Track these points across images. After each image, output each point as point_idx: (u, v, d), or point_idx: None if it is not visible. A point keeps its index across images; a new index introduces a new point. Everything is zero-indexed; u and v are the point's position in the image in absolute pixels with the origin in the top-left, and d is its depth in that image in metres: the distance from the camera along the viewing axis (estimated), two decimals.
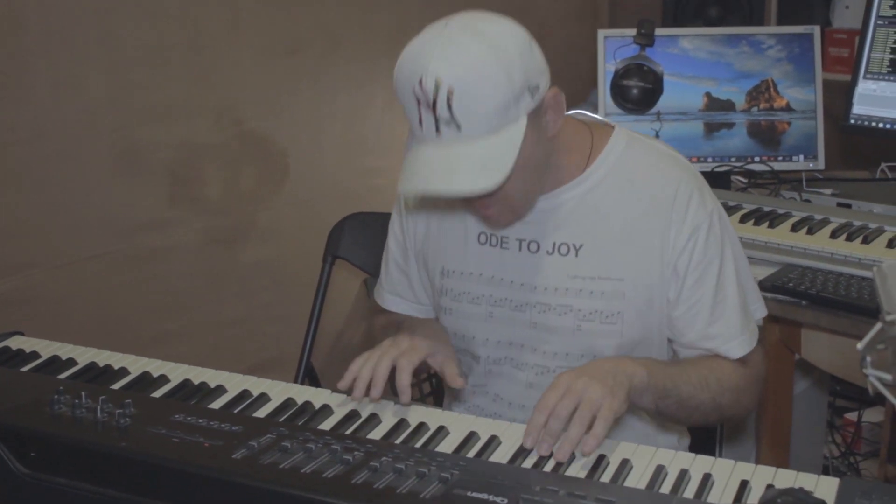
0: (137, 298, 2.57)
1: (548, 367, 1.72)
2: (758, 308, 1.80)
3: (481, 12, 1.56)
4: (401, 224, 1.85)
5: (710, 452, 2.40)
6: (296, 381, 2.38)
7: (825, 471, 2.95)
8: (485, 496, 1.28)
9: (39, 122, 2.30)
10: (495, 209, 1.62)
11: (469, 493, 1.29)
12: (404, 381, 1.57)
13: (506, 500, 1.27)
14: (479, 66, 1.48)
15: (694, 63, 2.66)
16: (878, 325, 0.88)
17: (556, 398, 1.48)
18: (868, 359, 0.88)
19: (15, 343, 1.87)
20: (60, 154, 2.35)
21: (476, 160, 1.49)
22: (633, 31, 2.61)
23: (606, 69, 2.63)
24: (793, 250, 2.19)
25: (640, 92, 2.59)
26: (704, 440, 2.37)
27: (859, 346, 0.88)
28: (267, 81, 2.77)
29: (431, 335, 1.70)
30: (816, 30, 2.65)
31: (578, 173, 1.68)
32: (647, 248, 1.66)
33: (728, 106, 2.67)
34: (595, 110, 2.34)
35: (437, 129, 1.49)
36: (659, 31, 2.62)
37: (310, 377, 2.52)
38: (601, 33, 2.65)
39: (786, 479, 1.39)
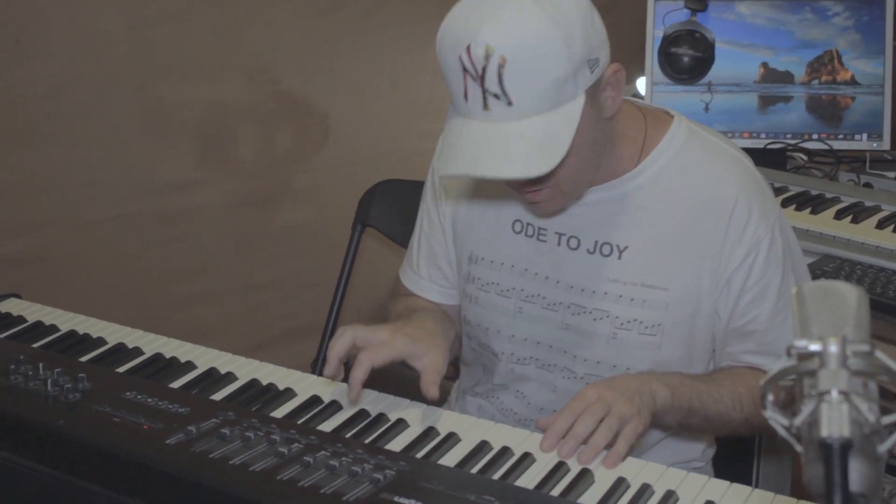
0: (162, 260, 2.53)
1: (575, 374, 1.58)
2: None
3: None
4: (433, 195, 1.71)
5: (748, 464, 2.24)
6: (319, 352, 2.32)
7: (891, 472, 2.75)
8: (412, 502, 1.19)
9: (59, 78, 2.26)
10: (544, 193, 1.45)
11: (395, 498, 1.20)
12: (356, 375, 1.43)
13: None
14: (537, 33, 1.31)
15: (751, 30, 2.46)
16: (784, 359, 0.75)
17: (583, 406, 1.38)
18: (769, 397, 0.74)
19: (6, 306, 1.84)
20: (81, 111, 2.31)
21: (529, 141, 1.34)
22: None
23: (655, 35, 2.46)
24: (835, 240, 2.01)
25: (690, 60, 2.42)
26: (742, 452, 2.21)
27: (761, 382, 0.75)
28: (304, 40, 2.69)
29: (425, 336, 1.51)
30: None
31: (630, 167, 1.52)
32: (698, 260, 1.50)
33: (786, 78, 2.47)
34: None
35: (485, 103, 1.33)
36: None
37: None
38: None
39: (759, 502, 1.26)
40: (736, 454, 2.13)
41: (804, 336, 0.73)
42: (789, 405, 0.75)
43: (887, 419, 0.71)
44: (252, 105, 2.63)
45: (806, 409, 0.70)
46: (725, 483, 1.31)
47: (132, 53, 2.36)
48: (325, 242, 2.83)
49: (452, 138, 1.39)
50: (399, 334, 1.49)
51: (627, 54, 3.18)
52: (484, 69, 1.31)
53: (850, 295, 0.77)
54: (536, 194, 1.45)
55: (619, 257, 1.53)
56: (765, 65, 2.47)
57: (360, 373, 1.43)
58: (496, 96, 1.33)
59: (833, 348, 0.69)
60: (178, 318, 2.52)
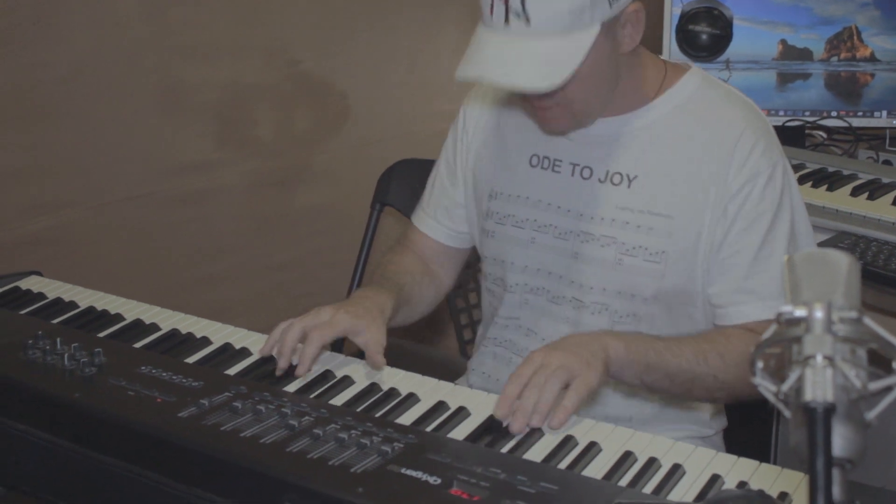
0: (181, 240, 2.55)
1: (583, 302, 1.64)
2: None
3: None
4: (454, 143, 1.81)
5: (766, 443, 2.24)
6: None
7: None
8: (419, 474, 1.21)
9: (77, 60, 2.28)
10: (554, 111, 1.56)
11: (402, 470, 1.21)
12: (308, 352, 1.51)
13: (440, 481, 1.19)
14: None
15: (769, 7, 2.45)
16: (773, 326, 0.75)
17: (530, 371, 1.41)
18: (759, 364, 0.75)
19: (27, 283, 1.87)
20: (99, 92, 2.33)
21: (539, 57, 1.46)
22: None
23: (673, 13, 2.45)
24: (851, 216, 2.00)
25: (708, 38, 2.41)
26: (756, 427, 2.21)
27: (752, 349, 0.75)
28: (322, 21, 2.70)
29: (364, 313, 1.58)
30: None
31: (644, 104, 1.62)
32: (703, 190, 1.57)
33: (805, 55, 2.45)
34: None
35: (507, 18, 1.46)
36: None
37: None
38: None
39: (766, 476, 1.27)
40: (753, 428, 2.13)
41: (793, 302, 0.73)
42: (779, 372, 0.75)
43: (875, 385, 0.71)
44: (270, 85, 2.65)
45: (792, 375, 0.71)
46: (733, 457, 1.31)
47: (150, 34, 2.38)
48: (343, 222, 2.84)
49: (474, 47, 1.51)
50: (341, 312, 1.56)
51: (645, 32, 3.18)
52: None
53: (840, 262, 0.77)
54: (546, 110, 1.56)
55: (629, 186, 1.61)
56: (783, 42, 2.46)
57: (312, 349, 1.52)
58: (517, 14, 1.45)
59: (818, 314, 0.70)
60: (198, 298, 2.54)
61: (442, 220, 1.84)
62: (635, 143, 1.61)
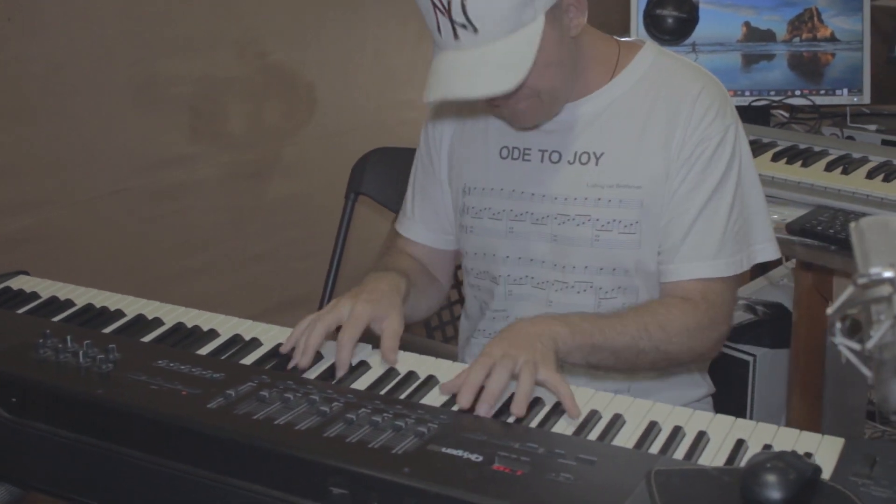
0: (158, 235, 2.54)
1: (566, 283, 1.68)
2: (763, 249, 1.69)
3: None
4: (427, 143, 1.83)
5: (741, 402, 2.32)
6: None
7: (871, 418, 2.83)
8: (460, 452, 1.23)
9: (53, 55, 2.26)
10: (524, 106, 1.59)
11: (443, 450, 1.23)
12: (344, 357, 1.49)
13: (481, 458, 1.21)
14: None
15: None
16: (850, 288, 0.79)
17: (491, 362, 1.41)
18: (838, 325, 0.79)
19: (17, 283, 1.85)
20: (75, 88, 2.31)
21: (494, 62, 1.48)
22: None
23: None
24: (826, 191, 2.07)
25: (674, 21, 2.47)
26: (734, 391, 2.29)
27: (829, 310, 0.79)
28: (292, 12, 2.70)
29: (381, 298, 1.58)
30: None
31: (603, 84, 1.66)
32: (664, 155, 1.62)
33: (768, 36, 2.53)
34: None
35: (455, 34, 1.48)
36: None
37: None
38: None
39: (786, 438, 1.32)
40: (729, 393, 2.21)
41: (870, 265, 0.77)
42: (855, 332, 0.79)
43: None
44: (242, 78, 2.64)
45: (878, 332, 0.75)
46: (752, 423, 1.35)
47: (125, 29, 2.37)
48: (316, 213, 2.86)
49: (432, 69, 1.53)
50: (360, 303, 1.55)
51: (613, 16, 3.23)
52: (449, 2, 1.45)
53: None
54: (517, 107, 1.59)
55: (597, 163, 1.65)
56: (747, 24, 2.53)
57: (347, 353, 1.50)
58: (463, 26, 1.47)
59: None
60: (177, 291, 2.53)
61: (430, 224, 1.84)
62: (598, 122, 1.66)
